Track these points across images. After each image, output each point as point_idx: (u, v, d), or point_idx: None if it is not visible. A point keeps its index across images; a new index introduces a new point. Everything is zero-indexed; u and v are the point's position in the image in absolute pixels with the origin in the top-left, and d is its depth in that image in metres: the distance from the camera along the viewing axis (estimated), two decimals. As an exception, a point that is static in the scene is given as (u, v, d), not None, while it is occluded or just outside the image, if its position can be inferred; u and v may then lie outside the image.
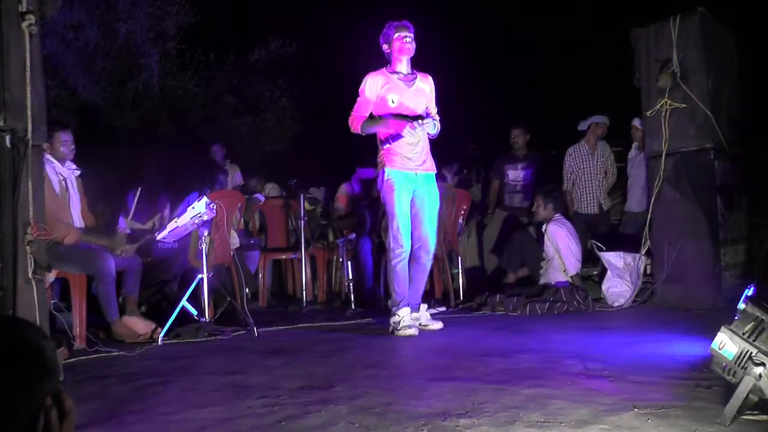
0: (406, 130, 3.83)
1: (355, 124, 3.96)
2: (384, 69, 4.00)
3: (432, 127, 3.91)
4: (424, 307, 4.13)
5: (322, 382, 2.66)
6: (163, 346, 3.71)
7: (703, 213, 4.68)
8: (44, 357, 0.97)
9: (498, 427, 2.01)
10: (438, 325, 4.06)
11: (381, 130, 3.96)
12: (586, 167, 5.99)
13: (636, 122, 5.71)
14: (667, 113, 4.76)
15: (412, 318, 3.99)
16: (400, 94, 3.95)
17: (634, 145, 5.89)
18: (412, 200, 3.98)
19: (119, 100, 8.56)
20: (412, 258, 4.04)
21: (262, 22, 9.69)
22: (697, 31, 4.70)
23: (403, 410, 2.21)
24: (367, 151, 5.82)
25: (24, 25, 2.75)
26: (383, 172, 3.94)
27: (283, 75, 9.85)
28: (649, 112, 4.87)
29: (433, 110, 4.11)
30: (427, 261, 4.06)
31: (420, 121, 3.86)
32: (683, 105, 4.71)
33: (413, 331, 3.85)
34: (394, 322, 3.90)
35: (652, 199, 4.85)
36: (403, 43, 3.91)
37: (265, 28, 9.74)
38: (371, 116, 3.98)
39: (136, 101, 8.73)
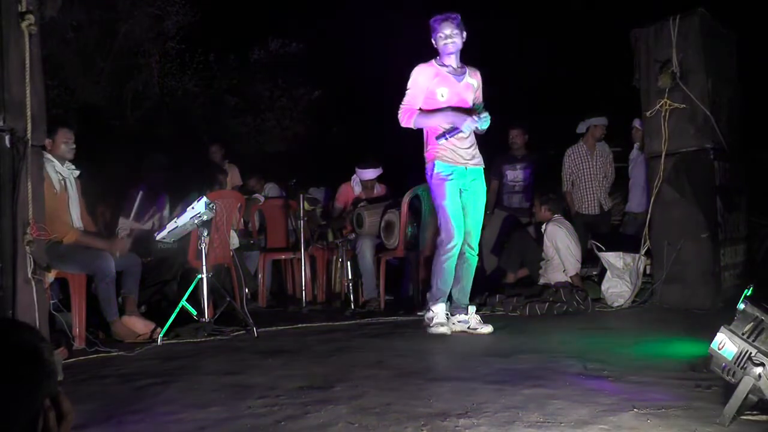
0: (467, 125, 3.75)
1: (408, 116, 3.85)
2: (433, 61, 3.92)
3: (487, 122, 3.84)
4: (472, 309, 4.01)
5: (321, 382, 2.66)
6: (162, 346, 3.71)
7: (703, 213, 4.68)
8: (43, 359, 0.98)
9: (498, 427, 2.01)
10: (488, 329, 3.89)
11: (438, 123, 3.84)
12: (585, 168, 5.99)
13: (637, 123, 5.70)
14: (667, 113, 4.77)
15: (459, 321, 3.93)
16: (450, 87, 3.87)
17: (636, 145, 5.89)
18: (459, 194, 3.92)
19: (119, 100, 8.56)
20: (458, 255, 3.95)
21: (262, 22, 9.69)
22: (697, 32, 4.70)
23: (403, 410, 2.21)
24: (366, 149, 5.83)
25: (23, 25, 2.75)
26: (433, 165, 3.85)
27: (283, 75, 9.84)
28: (649, 112, 4.88)
29: (481, 105, 4.02)
30: (472, 257, 3.98)
31: (479, 115, 3.78)
32: (683, 105, 4.71)
33: (445, 330, 3.77)
34: (427, 318, 3.86)
35: (652, 199, 4.86)
36: (445, 44, 3.84)
37: (265, 28, 9.74)
38: (422, 110, 3.88)
39: (136, 101, 8.72)
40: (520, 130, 6.22)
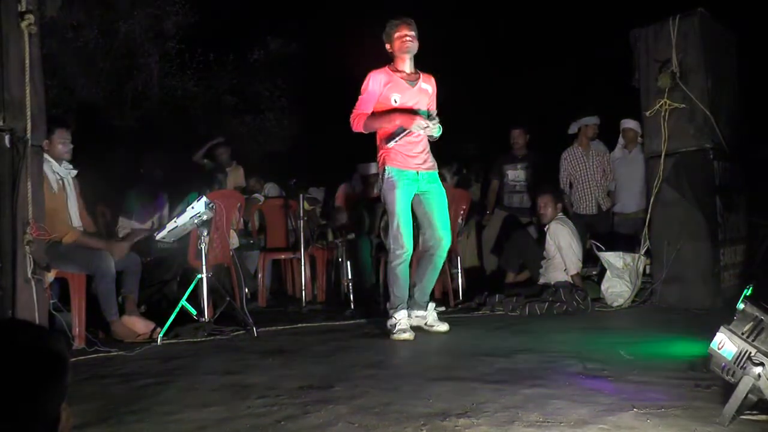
0: (415, 124, 3.73)
1: (358, 121, 3.84)
2: (387, 67, 3.91)
3: (438, 130, 3.83)
4: (431, 306, 4.04)
5: (321, 382, 2.66)
6: (162, 346, 3.71)
7: (703, 213, 4.69)
8: (68, 362, 1.06)
9: (497, 427, 2.01)
10: (444, 326, 3.94)
11: (385, 125, 3.82)
12: (581, 168, 6.00)
13: (629, 123, 5.71)
14: (667, 113, 4.77)
15: (417, 315, 3.95)
16: (402, 93, 3.86)
17: (620, 144, 5.90)
18: (418, 201, 3.90)
19: (119, 100, 8.56)
20: (425, 257, 3.96)
21: (262, 22, 9.69)
22: (697, 32, 4.71)
23: (403, 410, 2.21)
24: (367, 148, 5.84)
25: (23, 24, 2.76)
26: (384, 170, 3.84)
27: (283, 75, 9.84)
28: (649, 112, 4.88)
29: (433, 112, 4.01)
30: (439, 261, 3.96)
31: (429, 120, 3.77)
32: (682, 105, 4.71)
33: (408, 336, 3.73)
34: (390, 325, 3.81)
35: (652, 199, 4.86)
36: (403, 42, 3.82)
37: (265, 28, 9.74)
38: (373, 114, 3.86)
39: (136, 101, 8.72)
40: (522, 129, 6.24)
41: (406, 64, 3.90)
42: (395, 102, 3.85)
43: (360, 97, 3.88)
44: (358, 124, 3.85)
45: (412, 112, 3.83)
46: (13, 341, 1.01)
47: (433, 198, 3.92)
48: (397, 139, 3.78)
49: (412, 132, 3.78)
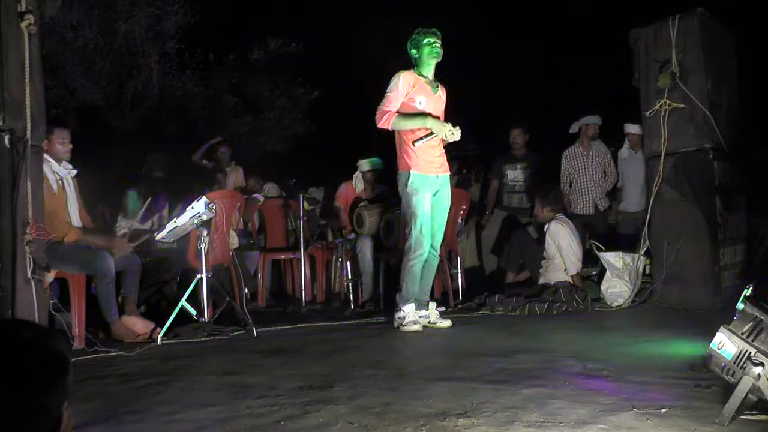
0: (445, 135, 3.96)
1: (387, 118, 4.00)
2: (412, 70, 4.11)
3: (458, 136, 4.04)
4: (433, 305, 4.22)
5: (321, 382, 2.66)
6: (162, 346, 3.71)
7: (702, 213, 4.68)
8: (70, 363, 1.07)
9: (497, 427, 2.01)
10: (447, 323, 4.12)
11: (417, 126, 4.01)
12: (581, 168, 6.00)
13: (631, 128, 5.69)
14: (666, 113, 4.77)
15: (420, 316, 4.10)
16: (426, 97, 4.08)
17: (626, 144, 5.90)
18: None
19: (119, 100, 8.55)
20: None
21: (262, 22, 9.69)
22: (697, 32, 4.71)
23: (403, 410, 2.21)
24: (366, 148, 5.84)
25: (23, 24, 2.76)
26: (408, 174, 4.02)
27: (283, 75, 9.84)
28: (648, 112, 4.88)
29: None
30: (434, 259, 4.20)
31: (453, 128, 3.98)
32: (682, 105, 4.71)
33: (417, 327, 3.95)
34: (399, 317, 4.03)
35: (652, 199, 4.86)
36: (432, 47, 4.05)
37: (265, 28, 9.74)
38: (401, 113, 4.03)
39: (136, 101, 8.71)
40: (521, 129, 6.23)
41: (429, 71, 4.13)
42: (420, 104, 4.05)
43: (388, 94, 4.04)
44: (387, 121, 4.02)
45: (438, 118, 4.07)
46: (15, 340, 1.02)
47: (440, 200, 4.16)
48: (424, 140, 4.00)
49: (438, 136, 4.00)
